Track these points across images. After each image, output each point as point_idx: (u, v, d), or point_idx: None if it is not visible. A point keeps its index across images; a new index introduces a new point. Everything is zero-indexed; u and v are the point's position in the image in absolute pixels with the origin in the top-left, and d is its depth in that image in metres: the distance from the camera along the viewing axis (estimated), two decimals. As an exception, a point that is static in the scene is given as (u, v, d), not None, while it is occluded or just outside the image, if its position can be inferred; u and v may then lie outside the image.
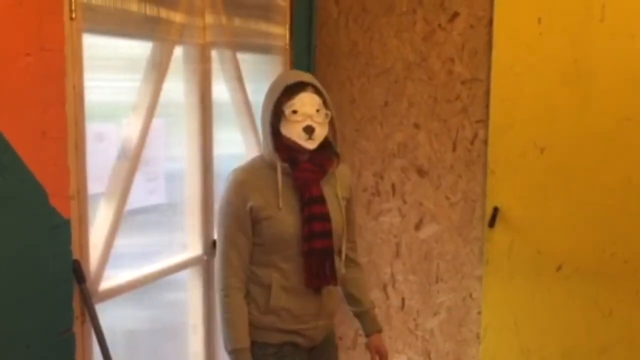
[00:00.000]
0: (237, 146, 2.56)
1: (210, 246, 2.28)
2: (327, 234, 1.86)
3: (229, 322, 1.84)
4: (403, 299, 2.90)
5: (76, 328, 1.68)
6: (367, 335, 2.08)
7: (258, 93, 2.60)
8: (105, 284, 1.81)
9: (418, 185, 2.84)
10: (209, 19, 2.20)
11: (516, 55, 2.59)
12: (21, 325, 1.53)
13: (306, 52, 2.90)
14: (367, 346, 2.08)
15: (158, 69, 1.97)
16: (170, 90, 2.06)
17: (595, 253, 2.56)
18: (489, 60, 2.66)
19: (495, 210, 2.66)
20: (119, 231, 1.85)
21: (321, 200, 1.86)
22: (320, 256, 1.85)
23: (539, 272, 2.64)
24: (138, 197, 1.97)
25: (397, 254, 2.90)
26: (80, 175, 1.68)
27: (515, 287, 2.68)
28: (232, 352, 1.84)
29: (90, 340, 1.74)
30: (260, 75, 2.68)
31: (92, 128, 1.75)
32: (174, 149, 2.22)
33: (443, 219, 2.81)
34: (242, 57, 2.46)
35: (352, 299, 2.07)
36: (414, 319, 2.89)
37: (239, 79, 2.43)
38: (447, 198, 2.81)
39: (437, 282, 2.84)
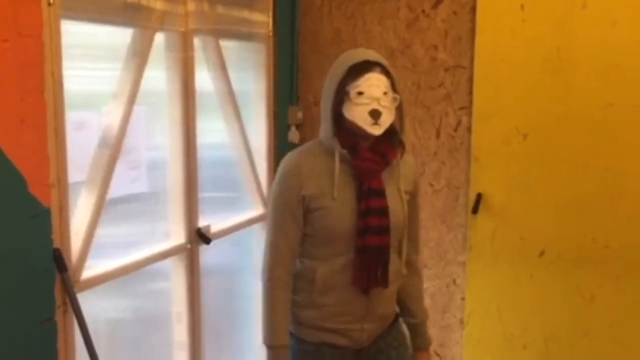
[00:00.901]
0: (221, 135, 2.55)
1: (194, 234, 2.27)
2: (385, 230, 1.70)
3: (272, 316, 1.73)
4: (388, 286, 2.92)
5: (58, 317, 1.68)
6: (415, 350, 1.92)
7: (241, 81, 2.60)
8: (87, 273, 1.80)
9: (402, 173, 2.84)
10: (190, 6, 2.18)
11: (499, 42, 2.59)
12: (2, 315, 1.52)
13: (289, 40, 2.89)
14: None
15: (139, 57, 1.95)
16: (151, 78, 2.05)
17: (577, 239, 2.58)
18: (473, 47, 2.67)
19: (479, 196, 2.68)
20: (101, 220, 1.84)
21: (381, 193, 1.70)
22: (374, 255, 1.69)
23: (522, 258, 2.66)
24: (120, 186, 1.96)
25: (382, 241, 2.91)
26: (60, 164, 1.67)
27: (498, 273, 2.70)
28: (270, 348, 1.74)
29: (72, 329, 1.73)
30: (244, 63, 2.67)
31: (72, 116, 1.74)
32: (156, 137, 2.21)
33: (427, 206, 2.82)
34: (225, 44, 2.44)
35: (404, 308, 1.91)
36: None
37: (222, 67, 2.42)
38: (431, 185, 2.82)
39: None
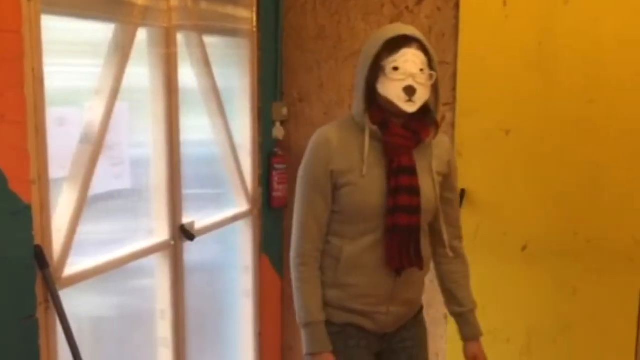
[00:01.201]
0: (205, 131, 2.54)
1: (177, 231, 2.27)
2: (415, 209, 1.65)
3: (303, 293, 1.69)
4: (373, 282, 2.93)
5: (40, 314, 1.67)
6: (465, 340, 1.85)
7: (225, 77, 2.59)
8: (69, 270, 1.79)
9: (387, 169, 2.85)
10: (173, 1, 2.17)
11: (482, 38, 2.61)
12: (-18, 312, 1.51)
13: (274, 36, 2.88)
14: (465, 353, 1.85)
15: (121, 53, 1.94)
16: (134, 74, 2.03)
17: (559, 233, 2.61)
18: (456, 43, 2.68)
19: (462, 192, 2.69)
20: (84, 216, 1.83)
21: (411, 170, 1.65)
22: (404, 234, 1.64)
23: (504, 252, 2.69)
24: (102, 182, 1.95)
25: (367, 237, 2.91)
26: (41, 160, 1.65)
27: (481, 268, 2.70)
28: (305, 325, 1.69)
29: (54, 326, 1.72)
30: (228, 59, 2.66)
31: (53, 112, 1.72)
32: (140, 134, 2.20)
33: (411, 202, 2.83)
34: (208, 40, 2.43)
35: (450, 297, 1.84)
36: (384, 301, 2.92)
37: (206, 63, 2.41)
38: (415, 181, 2.83)
39: (405, 264, 2.87)
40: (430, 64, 1.65)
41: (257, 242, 2.84)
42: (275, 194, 2.91)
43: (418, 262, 1.69)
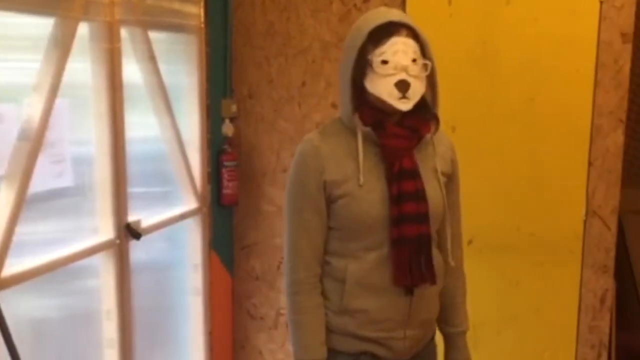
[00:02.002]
0: (152, 128, 2.50)
1: (123, 230, 2.23)
2: (423, 217, 1.46)
3: (299, 326, 1.49)
4: (323, 278, 2.94)
5: (-25, 317, 1.61)
6: None
7: (172, 73, 2.55)
8: (7, 271, 1.73)
9: (336, 165, 2.87)
10: (116, -5, 2.13)
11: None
12: None
13: (222, 32, 2.86)
14: None
15: (61, 48, 1.89)
16: (75, 70, 1.98)
17: (504, 227, 2.68)
18: (403, 41, 2.71)
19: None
20: (23, 216, 1.78)
21: (414, 173, 1.47)
22: (413, 246, 1.45)
23: (452, 247, 2.74)
24: (43, 180, 1.90)
25: (317, 234, 2.92)
26: (-25, 158, 1.60)
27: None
28: None
29: (-9, 329, 1.66)
30: (175, 55, 2.63)
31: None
32: (82, 131, 2.15)
33: (361, 198, 2.86)
34: (154, 36, 2.39)
35: (443, 313, 1.64)
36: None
37: (152, 59, 2.37)
38: (365, 177, 2.85)
39: (355, 259, 2.89)
40: (423, 51, 1.47)
41: (207, 240, 2.81)
42: (225, 191, 2.89)
43: (430, 277, 1.49)
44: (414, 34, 1.47)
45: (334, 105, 2.84)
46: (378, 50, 1.43)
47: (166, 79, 2.46)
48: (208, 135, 2.79)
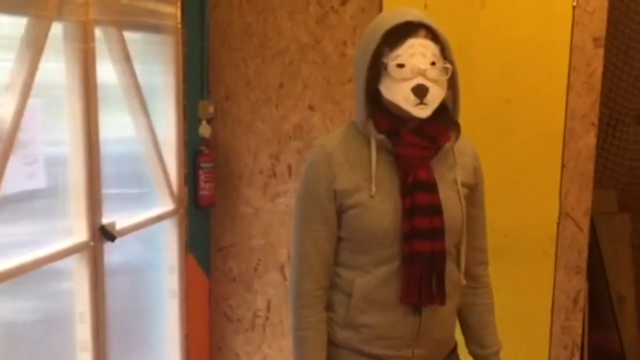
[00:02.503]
0: (127, 129, 2.48)
1: (97, 232, 2.20)
2: (438, 232, 1.38)
3: (303, 342, 1.44)
4: (300, 279, 2.94)
5: (-56, 321, 1.59)
6: None
7: (148, 74, 2.54)
8: (-23, 274, 1.71)
9: (313, 167, 2.87)
10: (91, -5, 2.11)
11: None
12: None
13: (199, 33, 2.85)
14: None
15: (33, 47, 1.87)
16: (49, 70, 1.96)
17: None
18: (380, 43, 2.73)
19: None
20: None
21: (431, 186, 1.38)
22: (425, 263, 1.37)
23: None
24: (14, 182, 1.87)
25: (294, 235, 2.92)
26: (-56, 159, 1.57)
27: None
28: None
29: (-39, 333, 1.64)
30: (150, 55, 2.61)
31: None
32: (55, 131, 2.12)
33: (338, 200, 2.86)
34: (130, 36, 2.38)
35: (471, 335, 1.56)
36: (311, 298, 2.94)
37: (127, 60, 2.35)
38: (342, 179, 2.86)
39: (332, 261, 2.90)
40: (444, 53, 1.36)
41: (183, 241, 2.80)
42: (201, 192, 2.88)
43: (439, 298, 1.41)
44: (433, 35, 1.37)
45: (311, 107, 2.84)
46: (394, 53, 1.34)
47: (142, 79, 2.44)
48: (185, 137, 2.77)
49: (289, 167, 2.90)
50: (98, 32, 2.17)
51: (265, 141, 2.90)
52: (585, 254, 2.67)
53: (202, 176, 2.86)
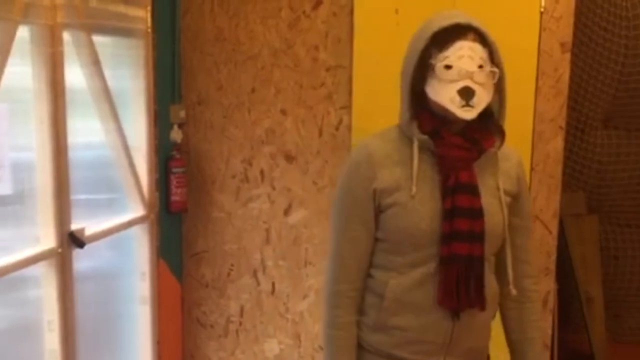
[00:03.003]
0: (97, 134, 2.45)
1: (66, 238, 2.17)
2: (477, 236, 1.36)
3: (333, 342, 1.42)
4: (273, 284, 2.93)
5: None
6: None
7: (118, 78, 2.51)
8: (-60, 283, 1.67)
9: (286, 171, 2.87)
10: (59, -2, 2.08)
11: (376, 44, 2.68)
12: None
13: (170, 37, 2.83)
14: None
15: (-1, 51, 1.84)
16: (15, 74, 1.93)
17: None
18: (352, 48, 2.74)
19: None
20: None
21: (472, 188, 1.37)
22: (463, 266, 1.36)
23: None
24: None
25: (267, 240, 2.92)
26: None
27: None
28: None
29: None
30: (121, 60, 2.59)
31: None
32: (22, 136, 2.09)
33: (311, 204, 2.87)
34: (99, 40, 2.35)
35: (515, 352, 1.53)
36: (284, 303, 2.93)
37: (96, 63, 2.33)
38: (315, 183, 2.87)
39: (305, 265, 2.90)
40: (492, 57, 1.38)
41: (155, 247, 2.77)
42: (173, 198, 2.86)
43: (479, 302, 1.38)
44: (481, 39, 1.37)
45: (283, 112, 2.84)
46: (442, 55, 1.35)
47: (113, 84, 2.41)
48: (156, 141, 2.75)
49: (262, 172, 2.89)
50: (66, 35, 2.15)
51: (237, 146, 2.89)
52: (554, 256, 2.71)
53: (173, 181, 2.84)
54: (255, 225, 2.92)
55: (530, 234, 1.56)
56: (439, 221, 1.38)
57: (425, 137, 1.39)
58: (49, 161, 2.10)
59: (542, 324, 1.58)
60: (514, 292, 1.46)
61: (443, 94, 1.35)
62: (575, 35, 2.66)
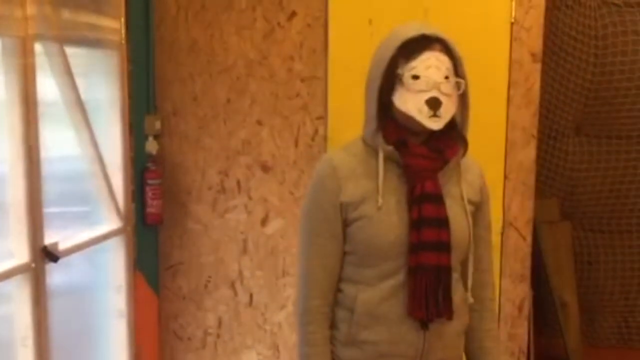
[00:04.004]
0: (70, 146, 2.43)
1: (39, 252, 2.14)
2: (444, 246, 1.38)
3: (309, 359, 1.42)
4: (251, 295, 2.92)
5: None
6: None
7: (92, 90, 2.50)
8: None
9: (263, 182, 2.87)
10: (31, 9, 2.06)
11: (350, 54, 2.70)
12: None
13: (144, 48, 2.82)
14: None
15: (-31, 63, 1.82)
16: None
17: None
18: (327, 58, 2.76)
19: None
20: None
21: (437, 198, 1.38)
22: (431, 276, 1.36)
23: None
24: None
25: (245, 251, 2.91)
26: None
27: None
28: None
29: None
30: (95, 71, 2.57)
31: None
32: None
33: (288, 214, 2.87)
34: (72, 51, 2.33)
35: (469, 358, 1.53)
36: (262, 314, 2.92)
37: (69, 74, 2.31)
38: (291, 193, 2.87)
39: (283, 276, 2.90)
40: (456, 69, 1.40)
41: (131, 260, 2.74)
42: (149, 209, 2.83)
43: (446, 311, 1.39)
44: (447, 50, 1.39)
45: (259, 122, 2.84)
46: (409, 65, 1.36)
47: (86, 95, 2.40)
48: (131, 153, 2.73)
49: (238, 183, 2.89)
50: (38, 47, 2.13)
51: (213, 157, 2.88)
52: (528, 262, 2.75)
53: (149, 193, 2.82)
54: (232, 236, 2.91)
55: (490, 245, 1.57)
56: (406, 232, 1.38)
57: (390, 148, 1.40)
58: (21, 174, 2.07)
59: (497, 334, 1.58)
60: (470, 300, 1.48)
61: (410, 104, 1.36)
62: (545, 45, 2.71)
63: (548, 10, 2.74)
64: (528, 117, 2.67)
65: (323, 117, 2.80)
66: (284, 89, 2.82)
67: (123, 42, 2.64)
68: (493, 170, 2.67)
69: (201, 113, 2.88)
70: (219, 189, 2.90)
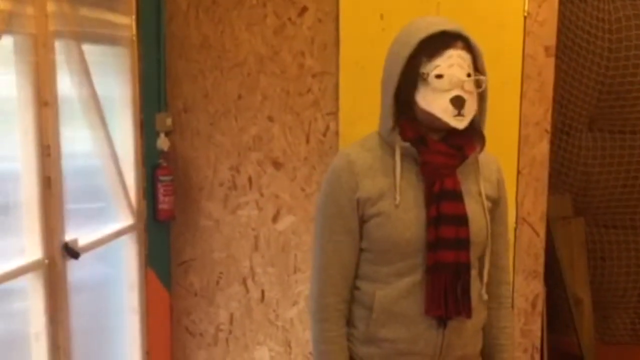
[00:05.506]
0: (86, 143, 2.43)
1: (59, 249, 2.14)
2: (463, 243, 1.36)
3: (325, 356, 1.41)
4: (263, 291, 2.92)
5: None
6: None
7: (104, 87, 2.50)
8: None
9: (274, 178, 2.87)
10: (43, 7, 2.06)
11: (361, 50, 2.69)
12: None
13: (155, 44, 2.82)
14: None
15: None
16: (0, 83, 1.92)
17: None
18: (338, 53, 2.75)
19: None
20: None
21: (456, 195, 1.36)
22: (450, 274, 1.35)
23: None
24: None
25: (256, 247, 2.91)
26: None
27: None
28: None
29: None
30: (106, 68, 2.57)
31: None
32: (7, 146, 2.07)
33: (299, 210, 2.87)
34: (85, 48, 2.34)
35: (485, 356, 1.51)
36: (274, 310, 2.92)
37: (85, 72, 2.32)
38: (303, 189, 2.86)
39: (295, 272, 2.89)
40: (476, 65, 1.38)
41: (143, 256, 2.75)
42: (161, 206, 2.84)
43: (465, 309, 1.37)
44: (468, 46, 1.37)
45: (270, 119, 2.84)
46: (432, 63, 1.33)
47: (99, 92, 2.40)
48: (142, 150, 2.74)
49: (250, 179, 2.89)
50: (53, 44, 2.13)
51: (224, 153, 2.88)
52: (542, 259, 2.72)
53: (161, 190, 2.83)
54: (243, 233, 2.91)
55: (507, 241, 1.55)
56: (424, 229, 1.36)
57: (408, 144, 1.38)
58: (35, 171, 2.08)
59: (512, 332, 1.55)
60: (485, 296, 1.46)
61: (436, 103, 1.34)
62: (559, 39, 2.68)
63: (561, 3, 2.72)
64: (541, 112, 2.64)
65: (334, 113, 2.79)
66: (295, 85, 2.81)
67: (134, 38, 2.64)
68: (506, 166, 2.64)
69: (212, 109, 2.88)
70: (230, 185, 2.90)
